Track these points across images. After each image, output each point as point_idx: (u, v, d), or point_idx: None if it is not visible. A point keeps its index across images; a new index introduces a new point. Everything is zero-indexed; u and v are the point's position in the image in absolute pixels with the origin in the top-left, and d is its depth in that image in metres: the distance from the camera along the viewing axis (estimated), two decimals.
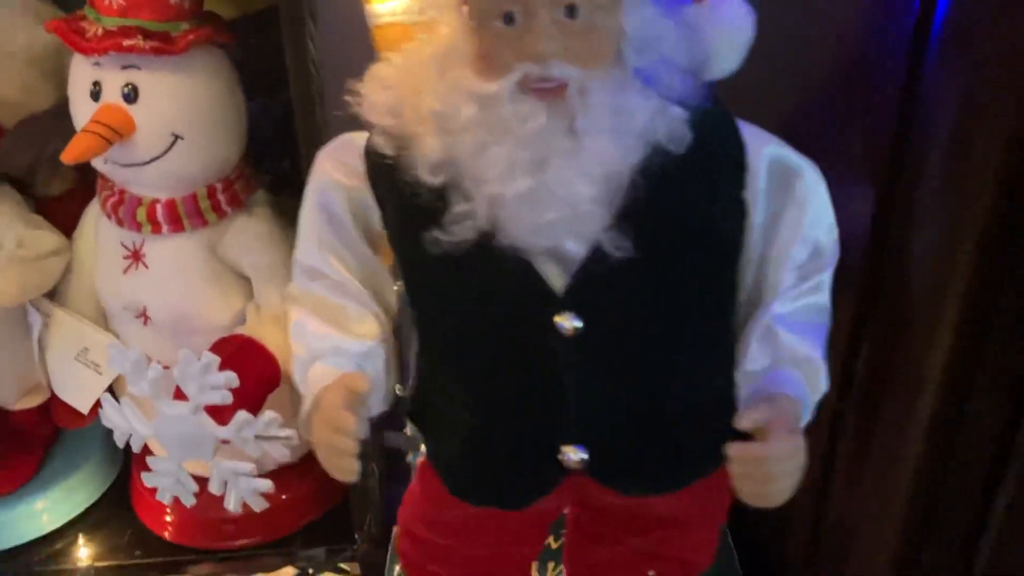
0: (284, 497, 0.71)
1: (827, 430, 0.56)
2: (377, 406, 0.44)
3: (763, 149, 0.41)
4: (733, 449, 0.39)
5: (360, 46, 0.51)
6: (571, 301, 0.40)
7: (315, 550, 0.72)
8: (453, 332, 0.43)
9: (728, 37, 0.40)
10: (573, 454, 0.42)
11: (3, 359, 0.67)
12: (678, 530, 0.48)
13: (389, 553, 0.69)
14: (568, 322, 0.40)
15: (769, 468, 0.39)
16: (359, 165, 0.43)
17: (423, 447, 0.48)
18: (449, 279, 0.41)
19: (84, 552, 0.72)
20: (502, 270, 0.39)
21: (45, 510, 0.73)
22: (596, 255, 0.39)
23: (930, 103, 0.42)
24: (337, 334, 0.43)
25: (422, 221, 0.39)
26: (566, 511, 0.52)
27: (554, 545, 0.69)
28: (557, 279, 0.40)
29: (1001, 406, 0.49)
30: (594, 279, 0.39)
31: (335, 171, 0.43)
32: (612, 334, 0.41)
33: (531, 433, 0.43)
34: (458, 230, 0.38)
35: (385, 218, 0.43)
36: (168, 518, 0.72)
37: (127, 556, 0.72)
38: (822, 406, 0.56)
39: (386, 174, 0.41)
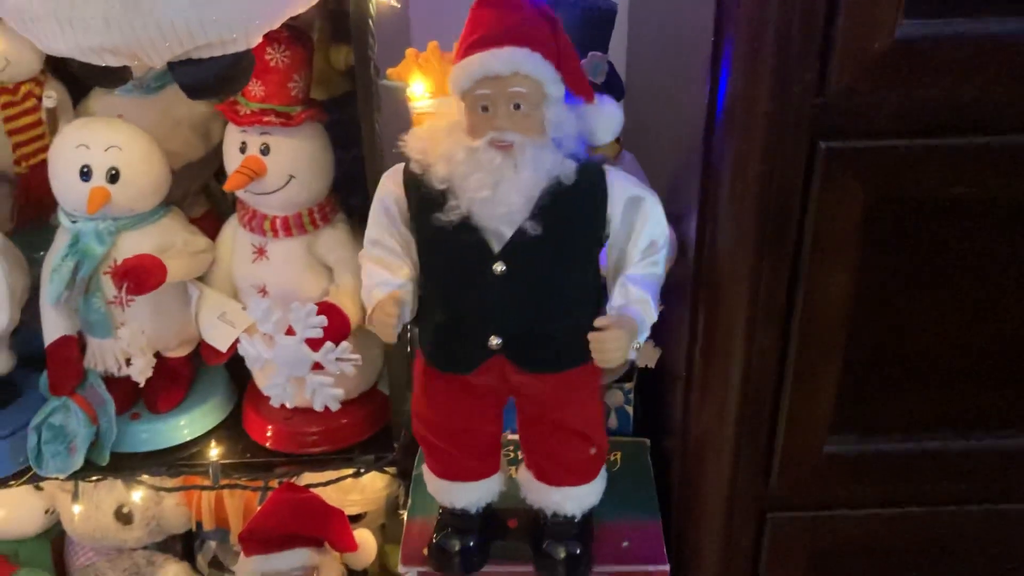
0: (346, 421, 1.04)
1: (685, 376, 0.86)
2: (407, 316, 0.76)
3: (620, 186, 0.74)
4: (591, 335, 0.72)
5: (403, 124, 0.85)
6: (501, 256, 0.73)
7: (367, 456, 1.03)
8: (438, 271, 0.76)
9: (605, 123, 0.75)
10: (495, 339, 0.76)
11: (173, 319, 1.02)
12: (573, 407, 0.81)
13: (417, 457, 1.02)
14: (498, 267, 0.73)
15: (606, 345, 0.72)
16: (401, 180, 0.76)
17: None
18: (441, 242, 0.74)
19: (212, 453, 1.05)
20: (468, 239, 0.73)
21: (186, 425, 1.05)
22: (518, 235, 0.72)
23: (719, 162, 0.75)
24: (387, 274, 0.77)
25: (431, 209, 0.73)
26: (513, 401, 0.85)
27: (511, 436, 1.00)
28: (496, 246, 0.73)
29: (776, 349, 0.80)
30: (516, 246, 0.72)
31: (390, 183, 0.77)
32: (522, 276, 0.73)
33: (472, 327, 0.76)
34: (450, 215, 0.72)
35: (411, 208, 0.76)
36: (268, 433, 1.05)
37: (240, 457, 1.04)
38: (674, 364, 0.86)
39: (415, 184, 0.75)
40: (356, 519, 1.14)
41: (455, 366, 0.80)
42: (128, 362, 1.01)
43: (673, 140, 0.90)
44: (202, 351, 1.03)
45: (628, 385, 1.05)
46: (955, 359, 0.80)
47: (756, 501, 0.88)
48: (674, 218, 0.85)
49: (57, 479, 1.02)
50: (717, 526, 0.90)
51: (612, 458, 1.01)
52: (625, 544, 0.91)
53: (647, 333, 0.76)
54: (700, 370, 0.84)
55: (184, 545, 1.25)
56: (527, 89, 0.70)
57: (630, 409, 1.06)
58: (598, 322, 0.73)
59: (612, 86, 0.86)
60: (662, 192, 0.87)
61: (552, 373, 0.78)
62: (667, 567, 0.89)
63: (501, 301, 0.75)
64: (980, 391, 0.81)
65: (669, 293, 0.90)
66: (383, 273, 0.77)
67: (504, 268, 0.73)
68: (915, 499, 0.86)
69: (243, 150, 0.94)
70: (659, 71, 1.00)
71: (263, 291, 0.99)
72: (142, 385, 1.03)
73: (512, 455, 0.97)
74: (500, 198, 0.71)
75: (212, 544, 1.21)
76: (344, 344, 0.88)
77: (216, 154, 1.03)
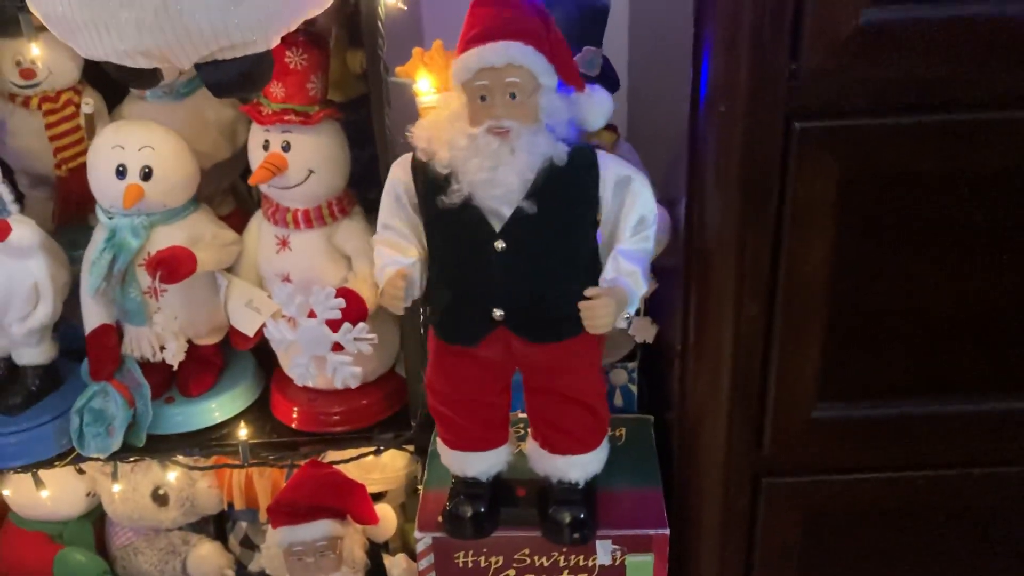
0: (366, 402, 1.11)
1: (680, 348, 0.92)
2: (415, 292, 0.83)
3: (611, 167, 0.80)
4: (581, 303, 0.79)
5: (413, 119, 0.91)
6: (501, 234, 0.79)
7: (386, 435, 1.10)
8: (444, 250, 0.83)
9: (596, 110, 0.81)
10: (497, 311, 0.82)
11: (203, 307, 1.09)
12: (574, 376, 0.86)
13: (432, 434, 1.08)
14: (499, 244, 0.79)
15: (596, 312, 0.78)
16: (409, 168, 0.82)
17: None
18: (446, 222, 0.81)
19: (242, 434, 1.12)
20: (471, 218, 0.79)
21: (217, 408, 1.12)
22: (516, 214, 0.78)
23: (704, 145, 0.81)
24: (397, 255, 0.83)
25: (436, 193, 0.79)
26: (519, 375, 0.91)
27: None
28: (497, 225, 0.79)
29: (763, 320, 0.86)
30: (514, 224, 0.79)
31: (399, 171, 0.84)
32: (521, 252, 0.80)
33: (477, 301, 0.82)
34: (452, 197, 0.78)
35: (418, 193, 0.82)
36: (294, 414, 1.12)
37: (268, 437, 1.11)
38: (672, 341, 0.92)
39: (421, 171, 0.81)
40: (377, 497, 1.20)
41: (462, 339, 0.86)
42: (162, 348, 1.09)
43: (666, 129, 0.96)
44: (231, 336, 1.10)
45: (631, 365, 1.10)
46: (932, 325, 0.85)
47: (750, 467, 0.93)
48: (668, 202, 0.91)
49: (98, 459, 1.09)
50: (714, 492, 0.95)
51: (617, 434, 1.07)
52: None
53: (637, 303, 0.82)
54: (694, 341, 0.90)
55: (216, 526, 1.32)
56: (521, 79, 0.76)
57: (634, 387, 1.11)
58: (588, 292, 0.79)
59: (607, 78, 0.92)
60: (658, 178, 0.94)
61: (553, 343, 0.84)
62: (667, 531, 0.94)
63: (502, 276, 0.81)
64: (957, 356, 0.86)
65: (664, 272, 0.96)
66: (393, 254, 0.84)
67: (504, 245, 0.80)
68: (901, 462, 0.91)
69: (266, 147, 1.01)
70: (654, 65, 1.06)
71: (287, 280, 1.05)
72: (176, 367, 1.10)
73: (521, 432, 1.03)
74: (498, 180, 0.77)
75: (243, 524, 1.28)
76: (361, 324, 0.95)
77: (242, 155, 1.10)
